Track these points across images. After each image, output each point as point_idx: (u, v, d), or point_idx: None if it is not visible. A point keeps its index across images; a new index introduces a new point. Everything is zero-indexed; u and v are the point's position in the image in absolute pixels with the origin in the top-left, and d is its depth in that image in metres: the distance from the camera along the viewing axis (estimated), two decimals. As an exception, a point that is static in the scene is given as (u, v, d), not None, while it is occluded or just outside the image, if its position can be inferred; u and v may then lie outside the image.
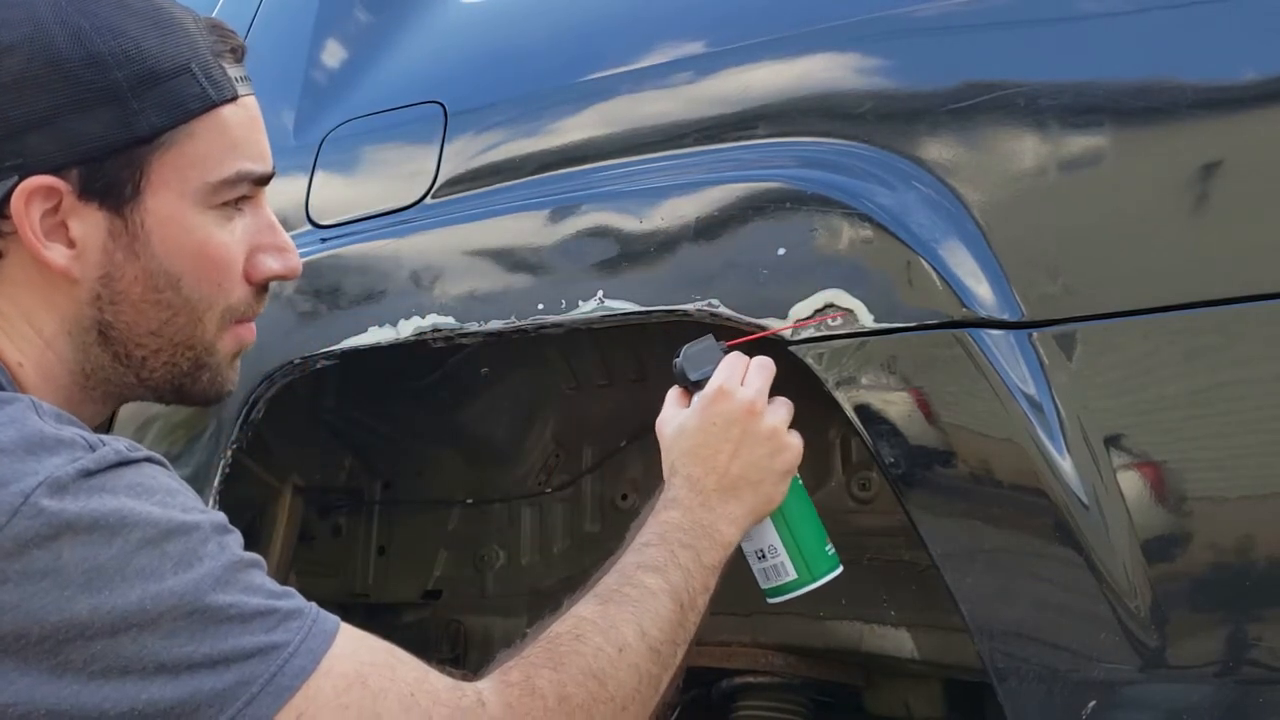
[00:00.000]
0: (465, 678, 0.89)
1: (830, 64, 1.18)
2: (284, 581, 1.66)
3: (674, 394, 1.15)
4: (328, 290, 1.42)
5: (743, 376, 1.10)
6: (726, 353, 1.12)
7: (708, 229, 1.17)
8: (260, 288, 1.00)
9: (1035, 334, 1.01)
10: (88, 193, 0.89)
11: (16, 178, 0.87)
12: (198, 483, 1.43)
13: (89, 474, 0.79)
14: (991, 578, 1.03)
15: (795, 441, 1.10)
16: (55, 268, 0.90)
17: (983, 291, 1.03)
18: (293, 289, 1.43)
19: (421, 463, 1.80)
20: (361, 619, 1.75)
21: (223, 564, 0.81)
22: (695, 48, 1.30)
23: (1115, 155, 1.01)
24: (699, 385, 1.11)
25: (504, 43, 1.51)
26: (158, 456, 0.86)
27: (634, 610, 0.96)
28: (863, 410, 1.07)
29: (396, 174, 1.47)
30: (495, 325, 1.27)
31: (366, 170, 1.54)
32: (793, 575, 1.12)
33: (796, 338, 1.10)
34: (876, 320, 1.06)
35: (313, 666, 0.81)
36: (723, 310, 1.14)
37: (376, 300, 1.38)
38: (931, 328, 1.04)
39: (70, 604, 0.75)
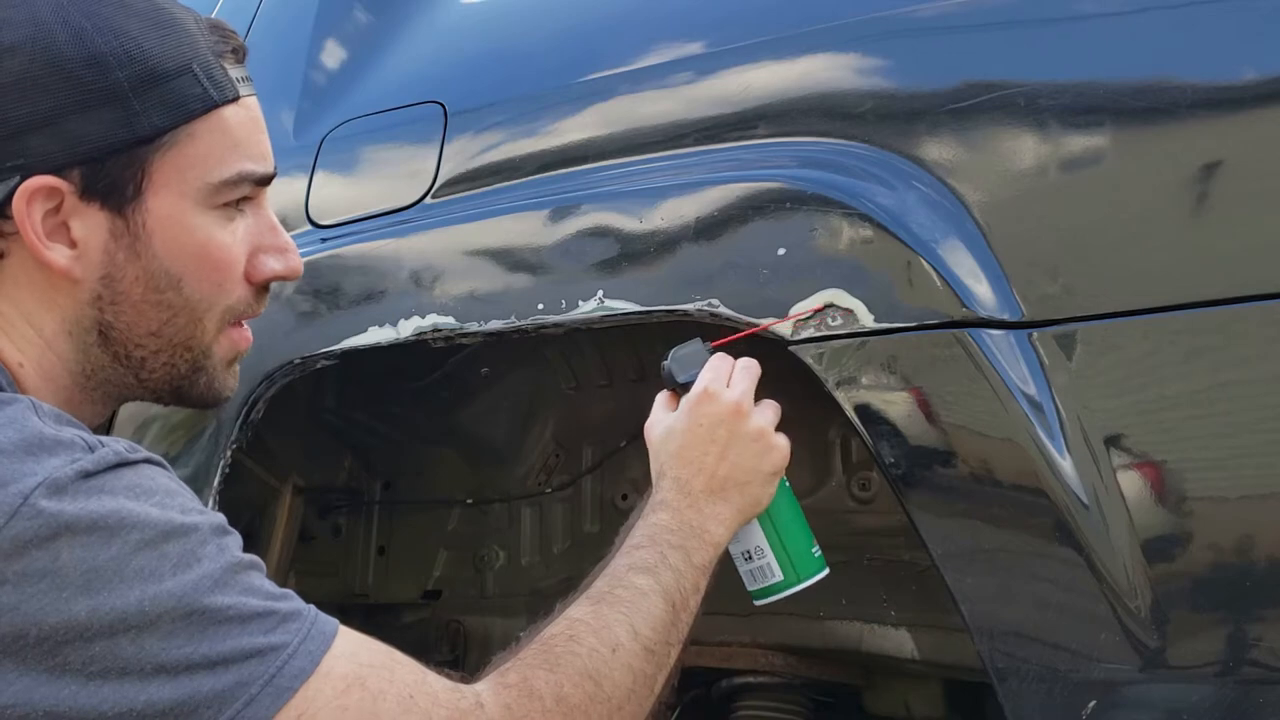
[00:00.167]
0: (463, 679, 0.89)
1: (830, 64, 1.18)
2: (284, 582, 1.67)
3: (662, 397, 1.15)
4: (328, 290, 1.42)
5: (728, 378, 1.10)
6: (712, 354, 1.12)
7: (708, 229, 1.17)
8: (261, 288, 1.00)
9: (1035, 334, 1.01)
10: (89, 193, 0.89)
11: (18, 178, 0.87)
12: (197, 483, 1.43)
13: (88, 475, 0.79)
14: (991, 578, 1.03)
15: (782, 443, 1.11)
16: (56, 268, 0.90)
17: (983, 291, 1.03)
18: (293, 289, 1.43)
19: (421, 463, 1.80)
20: (361, 619, 1.76)
21: (221, 565, 0.81)
22: (695, 48, 1.30)
23: (1115, 155, 1.01)
24: (687, 387, 1.11)
25: (504, 43, 1.51)
26: (157, 457, 0.86)
27: (626, 611, 0.97)
28: (863, 410, 1.07)
29: (396, 174, 1.47)
30: (495, 325, 1.27)
31: (366, 170, 1.54)
32: (779, 577, 1.12)
33: (796, 337, 1.10)
34: (876, 320, 1.06)
35: (311, 668, 0.81)
36: (723, 310, 1.14)
37: (376, 300, 1.38)
38: (931, 328, 1.04)
39: (68, 605, 0.75)
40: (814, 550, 1.14)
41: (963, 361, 1.02)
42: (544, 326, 1.25)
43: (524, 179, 1.36)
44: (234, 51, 0.96)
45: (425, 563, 1.82)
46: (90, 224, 0.90)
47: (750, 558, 1.13)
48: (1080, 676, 1.00)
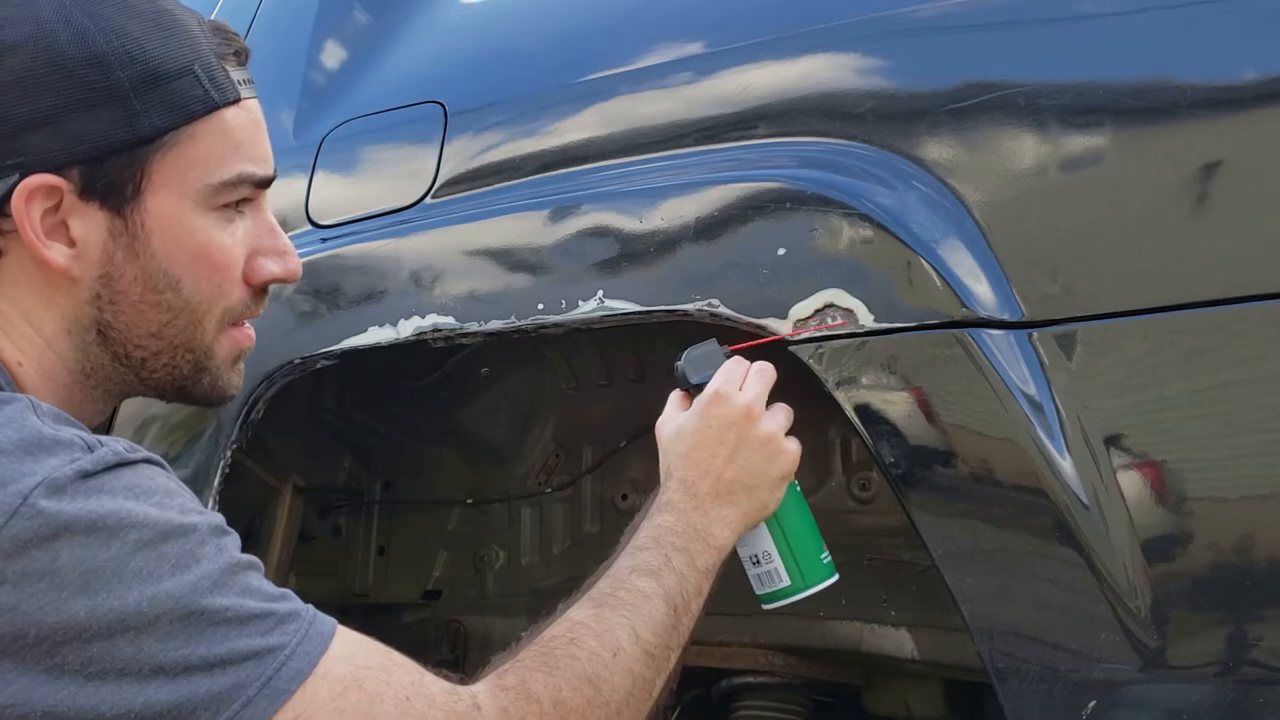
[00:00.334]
0: (461, 680, 0.89)
1: (830, 64, 1.18)
2: (284, 582, 1.67)
3: (675, 396, 1.15)
4: (328, 290, 1.42)
5: (742, 381, 1.10)
6: (728, 357, 1.12)
7: (708, 229, 1.17)
8: (259, 290, 1.00)
9: (1035, 334, 1.01)
10: (88, 192, 0.89)
11: (17, 176, 0.87)
12: (198, 483, 1.43)
13: (87, 475, 0.79)
14: (991, 578, 1.03)
15: (792, 447, 1.10)
16: (55, 267, 0.90)
17: (983, 291, 1.03)
18: (293, 289, 1.43)
19: (421, 463, 1.80)
20: (361, 619, 1.76)
21: (220, 566, 0.81)
22: (695, 48, 1.30)
23: (1115, 155, 1.01)
24: (699, 388, 1.11)
25: (504, 43, 1.51)
26: (156, 457, 0.86)
27: (628, 614, 0.96)
28: (863, 410, 1.07)
29: (396, 174, 1.47)
30: (495, 325, 1.27)
31: (366, 170, 1.54)
32: (786, 582, 1.12)
33: (796, 337, 1.10)
34: (876, 320, 1.06)
35: (309, 669, 0.81)
36: (723, 310, 1.14)
37: (376, 300, 1.38)
38: (931, 328, 1.04)
39: (67, 605, 0.75)
40: (823, 556, 1.13)
41: (963, 361, 1.02)
42: (544, 326, 1.25)
43: (524, 179, 1.36)
44: (236, 54, 0.96)
45: (425, 563, 1.82)
46: (89, 223, 0.90)
47: (758, 562, 1.12)
48: (1080, 676, 1.00)
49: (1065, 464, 0.99)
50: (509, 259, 1.30)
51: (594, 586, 1.00)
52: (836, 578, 1.14)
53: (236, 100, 0.95)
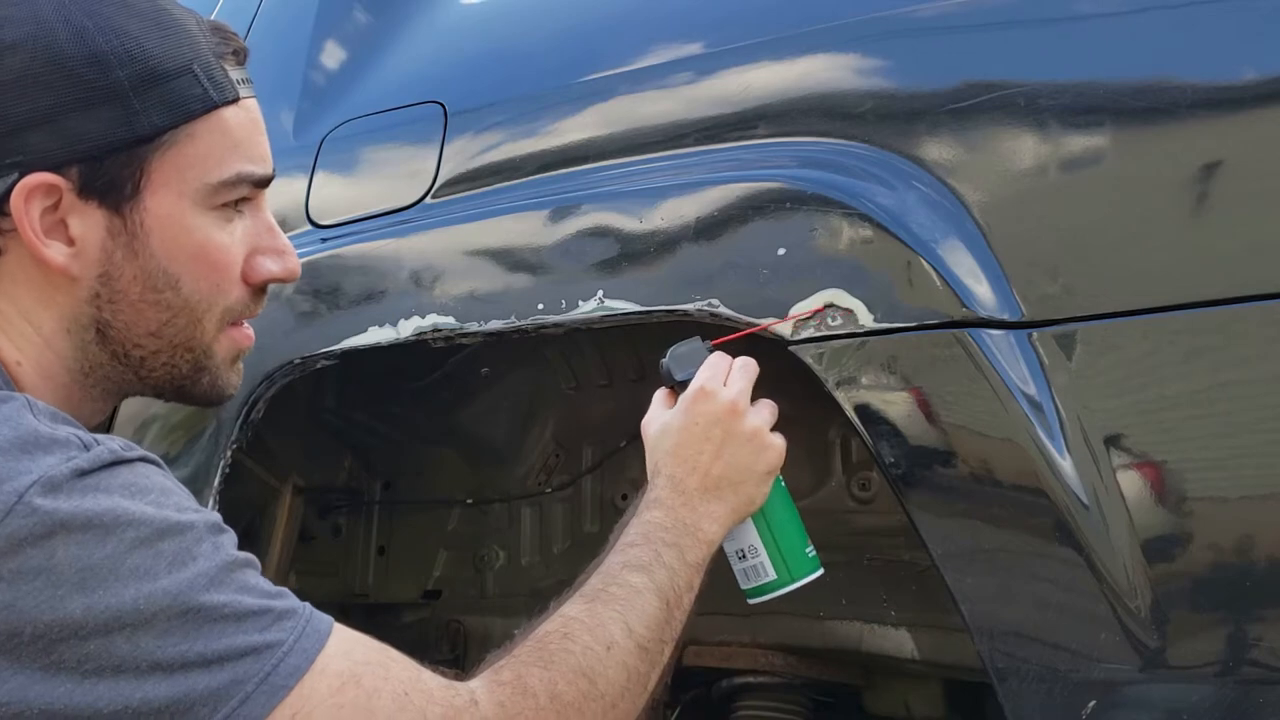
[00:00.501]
0: (458, 677, 0.89)
1: (830, 64, 1.18)
2: (284, 582, 1.67)
3: (660, 394, 1.16)
4: (328, 290, 1.42)
5: (725, 377, 1.10)
6: (712, 352, 1.12)
7: (708, 229, 1.17)
8: (258, 289, 1.00)
9: (1035, 334, 1.01)
10: (87, 191, 0.89)
11: (17, 175, 0.88)
12: (198, 483, 1.43)
13: (83, 473, 0.79)
14: (991, 578, 1.03)
15: (778, 442, 1.11)
16: (54, 265, 0.90)
17: (983, 291, 1.03)
18: (293, 289, 1.43)
19: (421, 463, 1.80)
20: (361, 619, 1.76)
21: (217, 563, 0.81)
22: (695, 48, 1.30)
23: (1115, 155, 1.01)
24: (684, 385, 1.11)
25: (504, 43, 1.51)
26: (152, 456, 0.86)
27: (621, 609, 0.97)
28: (863, 410, 1.07)
29: (396, 174, 1.47)
30: (495, 325, 1.27)
31: (366, 170, 1.54)
32: (772, 576, 1.12)
33: (796, 337, 1.10)
34: (876, 320, 1.06)
35: (307, 666, 0.81)
36: (723, 310, 1.14)
37: (376, 300, 1.38)
38: (931, 328, 1.04)
39: (64, 603, 0.75)
40: (808, 550, 1.14)
41: (963, 361, 1.02)
42: (544, 326, 1.25)
43: (524, 179, 1.36)
44: (235, 53, 0.97)
45: (425, 563, 1.82)
46: (88, 222, 0.90)
47: (744, 556, 1.13)
48: (1080, 676, 1.00)
49: (1065, 464, 0.99)
50: (509, 259, 1.30)
51: (586, 583, 1.00)
52: (822, 571, 1.14)
53: (235, 99, 0.95)
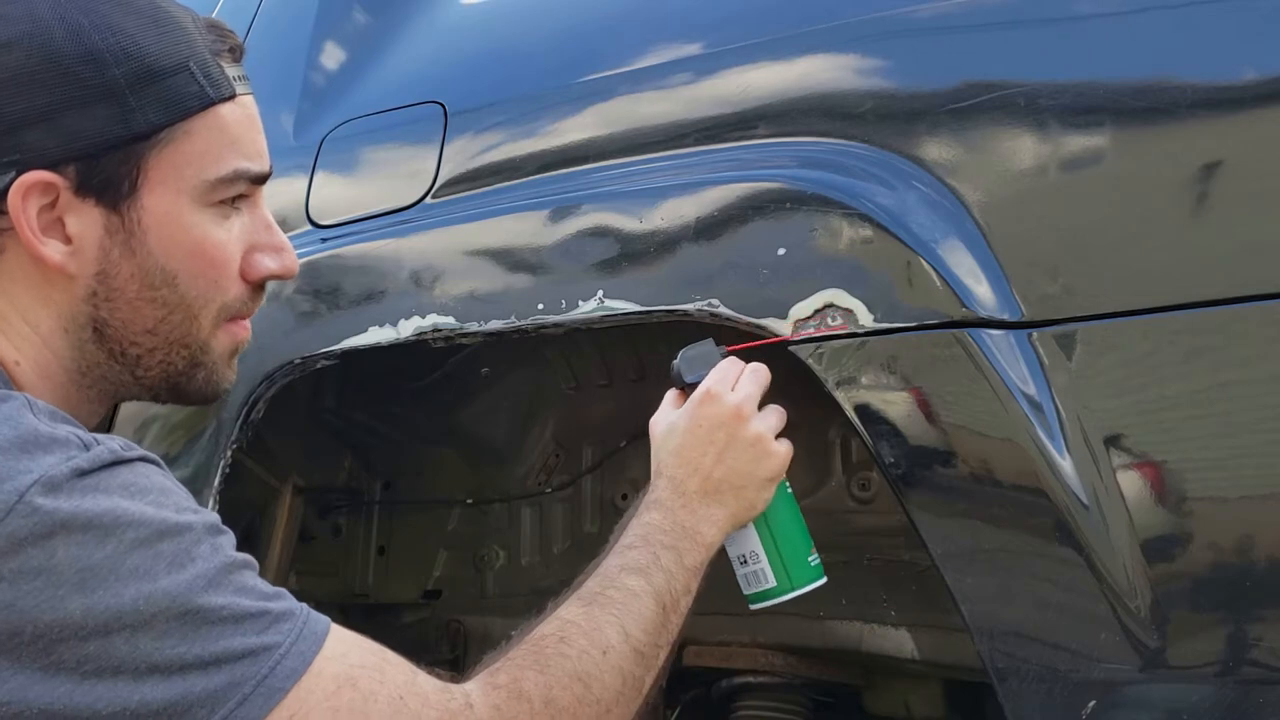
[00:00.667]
0: (453, 679, 0.89)
1: (830, 64, 1.18)
2: (284, 582, 1.67)
3: (671, 395, 1.16)
4: (328, 290, 1.42)
5: (735, 382, 1.10)
6: (725, 357, 1.12)
7: (708, 229, 1.17)
8: (257, 287, 1.00)
9: (1035, 334, 1.01)
10: (85, 189, 0.89)
11: (13, 173, 0.87)
12: (198, 483, 1.43)
13: (83, 473, 0.79)
14: (991, 578, 1.03)
15: (782, 449, 1.10)
16: (52, 264, 0.90)
17: (983, 291, 1.03)
18: (293, 289, 1.43)
19: (421, 463, 1.80)
20: (361, 619, 1.76)
21: (215, 565, 0.81)
22: (695, 48, 1.30)
23: (1115, 155, 1.01)
24: (694, 387, 1.11)
25: (504, 43, 1.51)
26: (152, 456, 0.86)
27: (617, 612, 0.97)
28: (863, 410, 1.07)
29: (396, 174, 1.47)
30: (495, 325, 1.27)
31: (366, 170, 1.54)
32: (772, 583, 1.12)
33: (796, 337, 1.10)
34: (876, 320, 1.06)
35: (303, 668, 0.81)
36: (723, 310, 1.14)
37: (376, 300, 1.38)
38: (931, 328, 1.04)
39: (63, 603, 0.75)
40: (811, 558, 1.14)
41: (963, 361, 1.02)
42: (544, 326, 1.25)
43: (524, 179, 1.36)
44: (231, 50, 0.96)
45: (425, 563, 1.82)
46: (85, 220, 0.90)
47: (745, 562, 1.13)
48: (1080, 676, 1.00)
49: (1065, 464, 0.99)
50: (509, 259, 1.30)
51: (583, 585, 1.00)
52: (824, 580, 1.14)
53: (232, 96, 0.95)
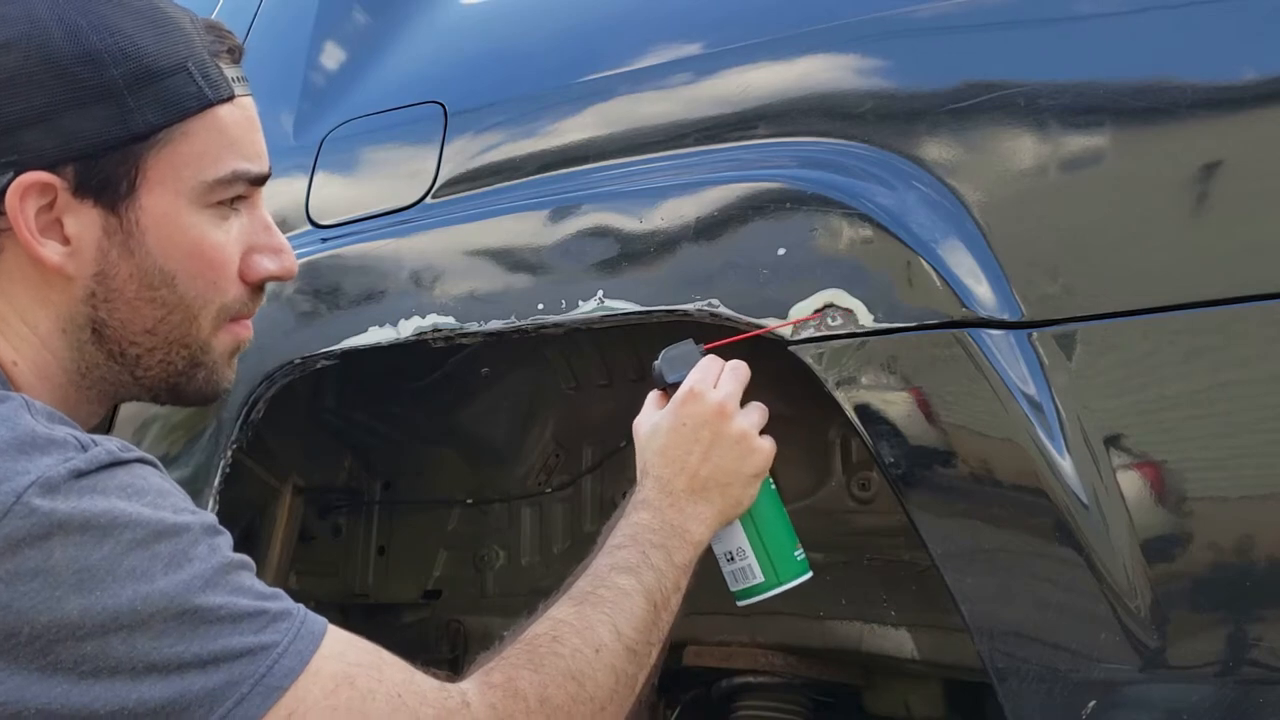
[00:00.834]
0: (449, 678, 0.90)
1: (830, 64, 1.18)
2: (284, 582, 1.67)
3: (653, 396, 1.16)
4: (328, 290, 1.42)
5: (716, 379, 1.11)
6: (704, 355, 1.13)
7: (708, 229, 1.17)
8: (256, 287, 1.00)
9: (1035, 334, 1.01)
10: (83, 189, 0.89)
11: (12, 174, 0.88)
12: (197, 483, 1.43)
13: (81, 474, 0.79)
14: (991, 578, 1.03)
15: (766, 445, 1.11)
16: (50, 265, 0.90)
17: (983, 291, 1.03)
18: (293, 289, 1.43)
19: (421, 463, 1.80)
20: (361, 619, 1.76)
21: (213, 566, 0.82)
22: (695, 48, 1.30)
23: (1115, 155, 1.01)
24: (675, 387, 1.12)
25: (504, 43, 1.51)
26: (149, 457, 0.86)
27: (609, 611, 0.97)
28: (863, 410, 1.07)
29: (396, 174, 1.47)
30: (495, 325, 1.27)
31: (367, 170, 1.54)
32: (760, 578, 1.13)
33: (796, 337, 1.10)
34: (876, 320, 1.06)
35: (301, 667, 0.81)
36: (723, 310, 1.14)
37: (377, 300, 1.38)
38: (931, 328, 1.04)
39: (61, 604, 0.75)
40: (797, 553, 1.14)
41: (963, 361, 1.02)
42: (544, 326, 1.25)
43: (524, 179, 1.36)
44: (230, 51, 0.96)
45: (425, 563, 1.82)
46: (84, 220, 0.90)
47: (732, 559, 1.13)
48: (1080, 676, 1.00)
49: (1065, 464, 0.99)
50: (509, 259, 1.30)
51: (574, 585, 1.01)
52: (810, 574, 1.15)
53: (230, 97, 0.95)
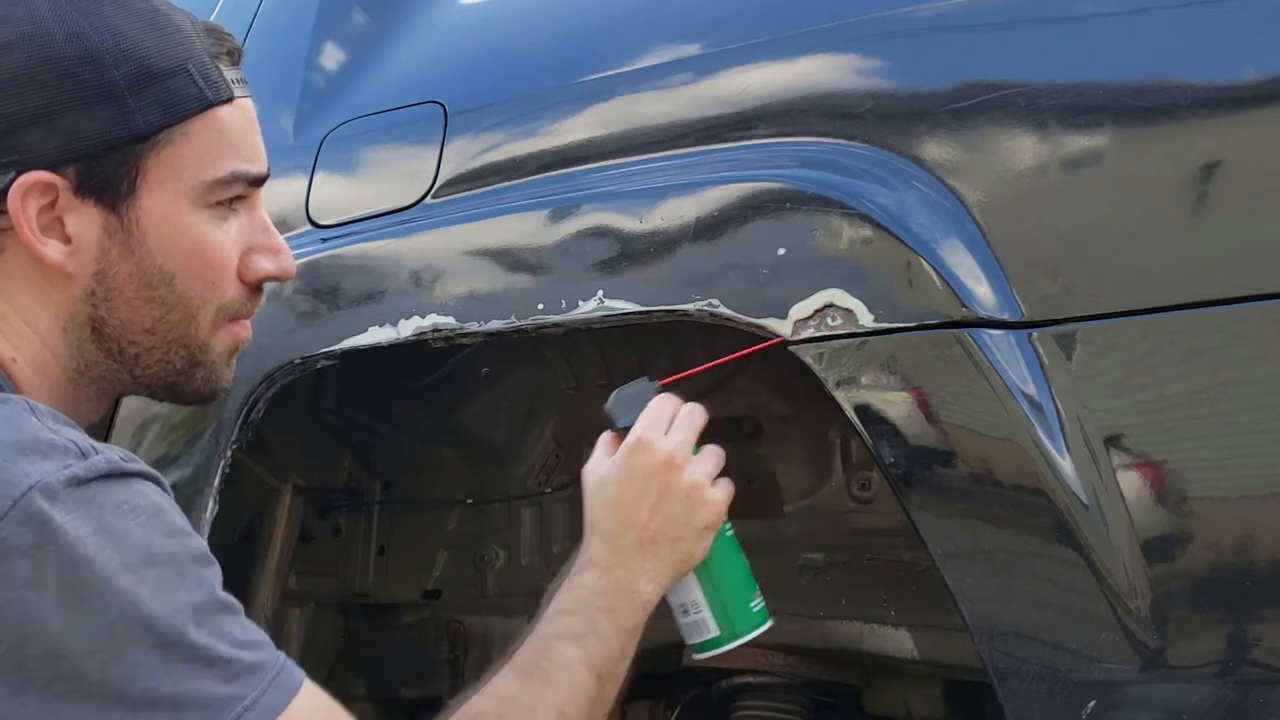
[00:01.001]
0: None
1: (830, 64, 1.18)
2: (283, 581, 1.66)
3: (604, 439, 1.13)
4: (328, 290, 1.42)
5: (668, 424, 1.08)
6: (658, 393, 1.10)
7: (708, 229, 1.16)
8: (254, 288, 1.00)
9: (1035, 334, 1.01)
10: (84, 189, 0.90)
11: (13, 173, 0.88)
12: (197, 483, 1.43)
13: (80, 482, 0.79)
14: (991, 578, 1.03)
15: (719, 495, 1.08)
16: (51, 264, 0.90)
17: (983, 291, 1.03)
18: (293, 289, 1.43)
19: (421, 463, 1.80)
20: (361, 619, 1.75)
21: (198, 600, 0.81)
22: (695, 48, 1.30)
23: (1115, 155, 1.01)
24: (625, 432, 1.09)
25: (504, 43, 1.51)
26: (151, 472, 0.85)
27: (553, 690, 0.97)
28: (863, 410, 1.07)
29: (396, 174, 1.47)
30: (495, 325, 1.27)
31: (366, 170, 1.54)
32: (715, 632, 1.10)
33: (796, 337, 1.09)
34: (876, 320, 1.06)
35: None
36: (723, 310, 1.13)
37: (376, 300, 1.38)
38: (931, 328, 1.04)
39: (44, 618, 0.75)
40: (753, 604, 1.12)
41: (963, 361, 1.02)
42: (544, 326, 1.25)
43: (524, 179, 1.35)
44: (229, 53, 0.97)
45: (425, 563, 1.81)
46: (84, 220, 0.91)
47: (686, 612, 1.11)
48: (1080, 676, 1.00)
49: (1065, 464, 0.99)
50: (509, 259, 1.30)
51: (519, 654, 1.00)
52: (770, 624, 1.12)
53: (230, 99, 0.95)
